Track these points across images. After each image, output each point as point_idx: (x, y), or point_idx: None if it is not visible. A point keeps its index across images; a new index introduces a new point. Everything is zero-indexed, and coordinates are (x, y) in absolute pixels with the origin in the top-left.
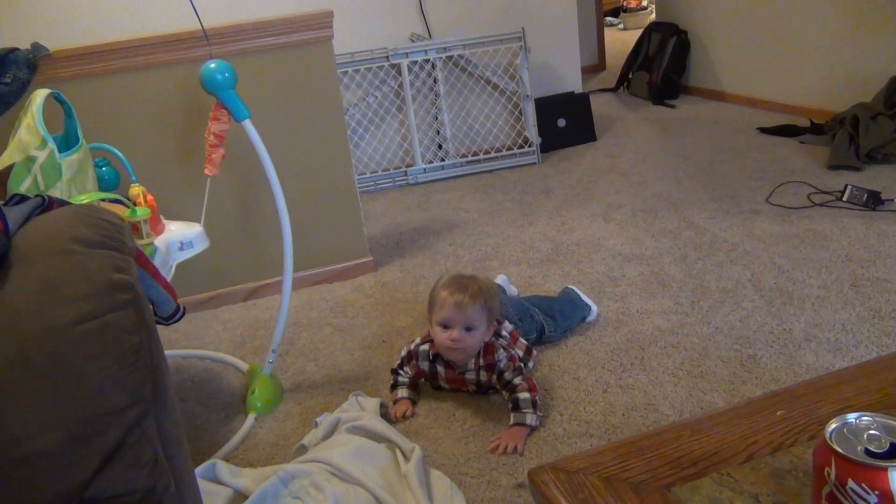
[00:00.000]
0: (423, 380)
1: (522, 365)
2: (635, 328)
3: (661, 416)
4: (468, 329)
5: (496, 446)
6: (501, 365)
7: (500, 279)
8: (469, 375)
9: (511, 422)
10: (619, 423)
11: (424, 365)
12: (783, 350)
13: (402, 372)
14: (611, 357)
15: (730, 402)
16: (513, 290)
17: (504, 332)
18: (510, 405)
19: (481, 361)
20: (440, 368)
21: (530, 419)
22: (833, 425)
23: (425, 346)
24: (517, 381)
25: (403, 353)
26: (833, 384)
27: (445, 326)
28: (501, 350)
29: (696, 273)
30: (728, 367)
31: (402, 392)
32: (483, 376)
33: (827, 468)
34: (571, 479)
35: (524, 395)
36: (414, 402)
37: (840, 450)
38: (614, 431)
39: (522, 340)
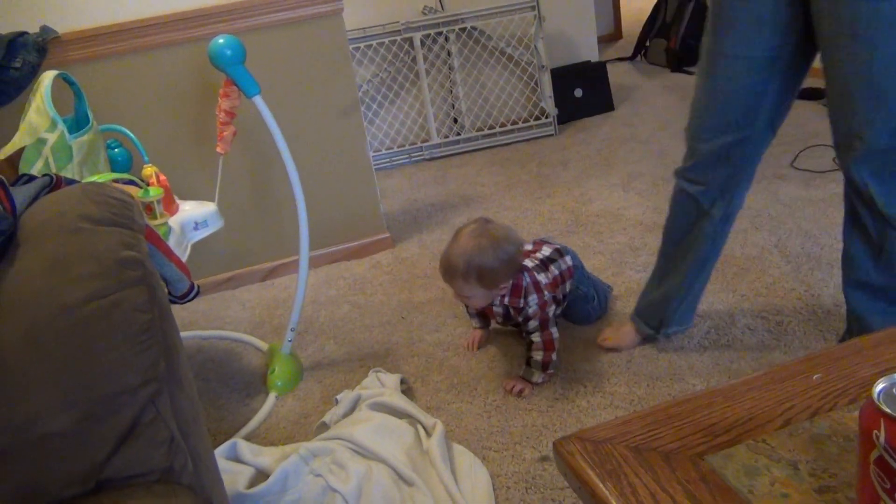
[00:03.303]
0: None
1: (550, 316)
2: None
3: (687, 385)
4: (469, 296)
5: (510, 387)
6: (529, 311)
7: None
8: (496, 308)
9: (521, 373)
10: (645, 394)
11: None
12: (811, 316)
13: None
14: None
15: (756, 371)
16: None
17: (555, 271)
18: (525, 359)
19: (506, 300)
20: None
21: (536, 377)
22: (881, 385)
23: None
24: (536, 338)
25: None
26: (872, 346)
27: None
28: (534, 295)
29: None
30: (755, 336)
31: (475, 321)
32: (511, 312)
33: (876, 431)
34: (598, 448)
35: (537, 356)
36: (487, 331)
37: (890, 412)
38: (639, 402)
39: (565, 286)
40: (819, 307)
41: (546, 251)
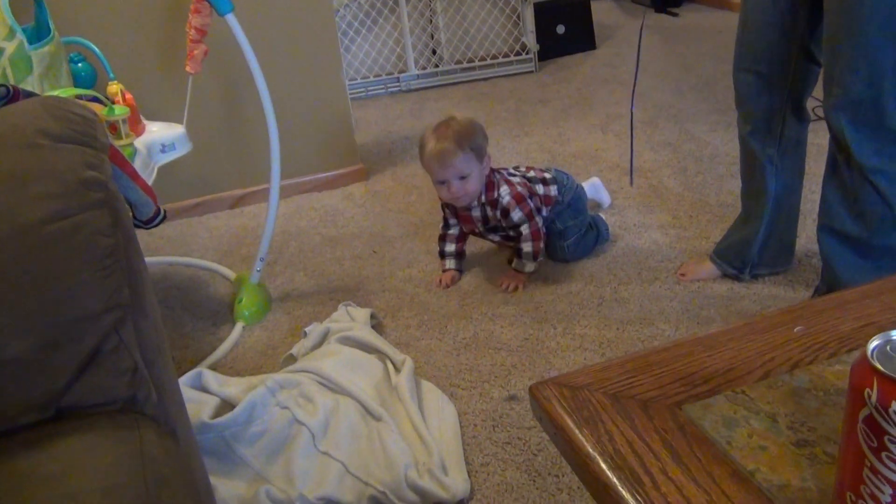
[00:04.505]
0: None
1: (533, 207)
2: (632, 242)
3: (656, 330)
4: (462, 177)
5: (505, 286)
6: (504, 202)
7: (595, 182)
8: (475, 213)
9: (512, 266)
10: (614, 336)
11: (450, 208)
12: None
13: (449, 233)
14: (606, 270)
15: (727, 317)
16: (605, 199)
17: (529, 183)
18: (515, 252)
19: (483, 199)
20: (454, 209)
21: (529, 267)
22: (875, 342)
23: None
24: (525, 229)
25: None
26: (856, 299)
27: (442, 182)
28: (505, 186)
29: (695, 187)
30: (725, 283)
31: (450, 262)
32: (488, 212)
33: (868, 389)
34: (576, 395)
35: (527, 248)
36: (460, 272)
37: (884, 370)
38: (609, 345)
39: (549, 191)
40: (794, 258)
41: (531, 173)
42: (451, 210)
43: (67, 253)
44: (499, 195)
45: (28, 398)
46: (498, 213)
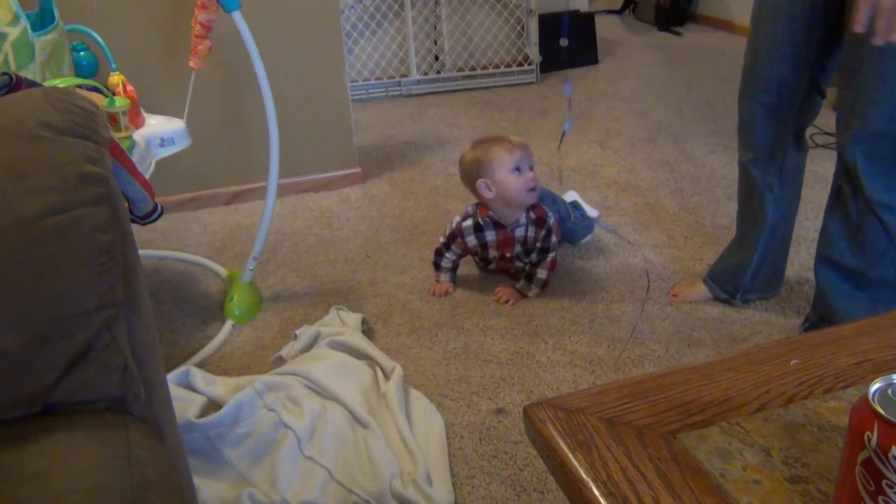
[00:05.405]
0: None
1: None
2: (626, 259)
3: (646, 350)
4: (532, 168)
5: (499, 296)
6: (551, 222)
7: (573, 195)
8: (519, 232)
9: (518, 285)
10: (605, 354)
11: (472, 239)
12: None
13: (446, 255)
14: (599, 287)
15: (717, 341)
16: (590, 211)
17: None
18: (525, 274)
19: (532, 214)
20: (489, 235)
21: (533, 293)
22: (877, 385)
23: (468, 222)
24: (549, 257)
25: (446, 234)
26: (851, 335)
27: (518, 170)
28: (547, 207)
29: (691, 208)
30: (717, 306)
31: (444, 276)
32: (531, 231)
33: (868, 432)
34: (571, 418)
35: (542, 275)
36: (454, 284)
37: (886, 414)
38: (599, 363)
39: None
40: (783, 284)
41: None
42: (472, 240)
43: (64, 248)
44: (547, 214)
45: (16, 392)
46: (542, 233)
